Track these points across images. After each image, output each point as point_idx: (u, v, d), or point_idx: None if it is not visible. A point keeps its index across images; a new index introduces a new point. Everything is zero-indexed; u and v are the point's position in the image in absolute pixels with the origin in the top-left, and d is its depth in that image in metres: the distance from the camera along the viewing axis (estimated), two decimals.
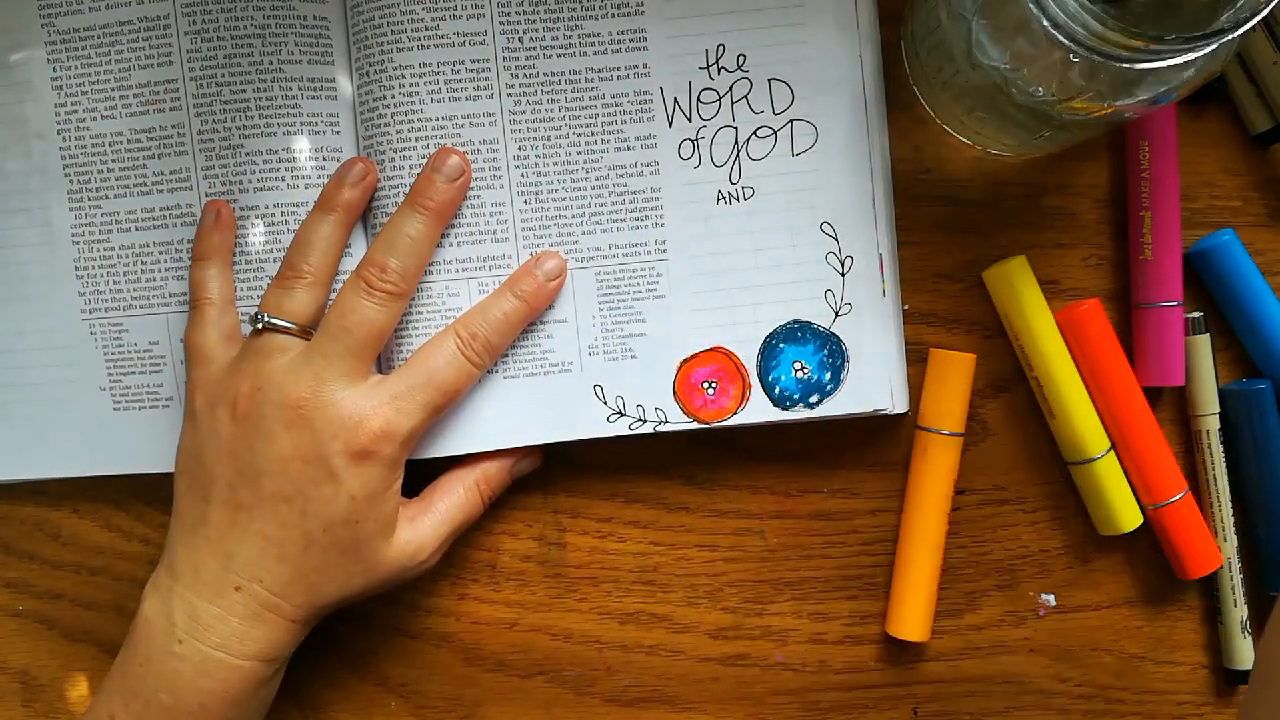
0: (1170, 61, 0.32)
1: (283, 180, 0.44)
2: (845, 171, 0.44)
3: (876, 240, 0.44)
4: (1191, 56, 0.32)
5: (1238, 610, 0.45)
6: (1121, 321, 0.46)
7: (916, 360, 0.46)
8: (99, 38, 0.44)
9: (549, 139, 0.44)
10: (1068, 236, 0.46)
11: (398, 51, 0.43)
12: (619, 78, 0.44)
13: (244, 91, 0.44)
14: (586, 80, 0.44)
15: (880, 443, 0.46)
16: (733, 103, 0.44)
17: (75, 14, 0.44)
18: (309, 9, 0.44)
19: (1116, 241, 0.46)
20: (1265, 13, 0.31)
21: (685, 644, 0.47)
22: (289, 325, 0.41)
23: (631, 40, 0.44)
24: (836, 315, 0.44)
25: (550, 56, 0.44)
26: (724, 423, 0.44)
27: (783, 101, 0.44)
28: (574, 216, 0.44)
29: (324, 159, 0.44)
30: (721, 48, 0.44)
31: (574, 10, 0.44)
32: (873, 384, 0.44)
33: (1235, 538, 0.45)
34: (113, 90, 0.44)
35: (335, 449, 0.40)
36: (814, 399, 0.44)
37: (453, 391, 0.42)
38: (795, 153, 0.44)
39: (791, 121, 0.44)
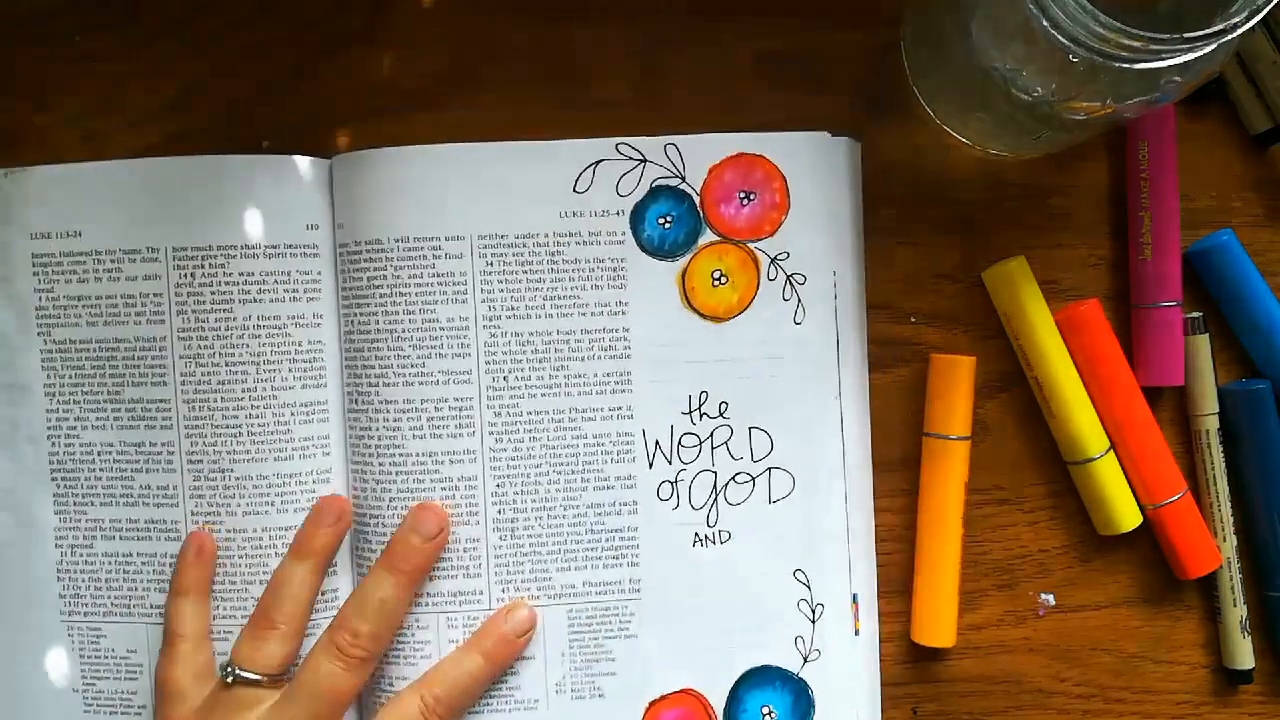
0: (1170, 61, 0.32)
1: (272, 505, 0.43)
2: (820, 519, 0.44)
3: (850, 582, 0.45)
4: (1191, 56, 0.32)
5: (1237, 610, 0.45)
6: (1121, 322, 0.46)
7: (917, 361, 0.46)
8: (94, 351, 0.44)
9: (528, 476, 0.44)
10: (1068, 236, 0.46)
11: (384, 386, 0.43)
12: (602, 418, 0.44)
13: (236, 417, 0.43)
14: (570, 419, 0.44)
15: (881, 443, 0.46)
16: (713, 448, 0.44)
17: (72, 326, 0.44)
18: (304, 334, 0.43)
19: (1116, 241, 0.46)
20: (1265, 13, 0.31)
21: None
22: (258, 678, 0.41)
23: (617, 382, 0.44)
24: (805, 661, 0.44)
25: (534, 395, 0.43)
26: None
27: (762, 449, 0.44)
28: (549, 553, 0.44)
29: (315, 482, 0.44)
30: (705, 394, 0.44)
31: (560, 351, 0.44)
32: None
33: (1235, 537, 0.45)
34: (104, 402, 0.44)
35: None
36: None
37: None
38: (772, 500, 0.44)
39: (770, 469, 0.44)
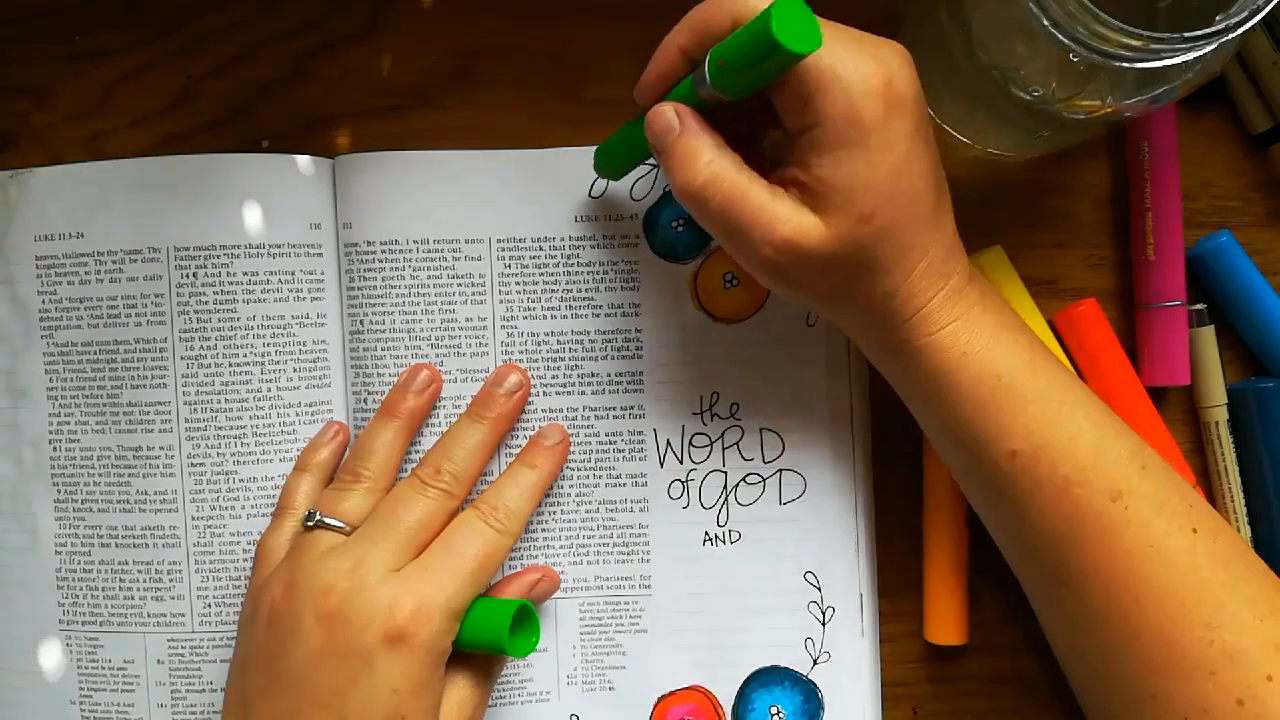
0: (1170, 61, 0.32)
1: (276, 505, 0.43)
2: (831, 521, 0.45)
3: (858, 580, 0.45)
4: (1191, 56, 0.32)
5: None
6: (1123, 322, 0.46)
7: None
8: (95, 353, 0.44)
9: None
10: (1068, 236, 0.46)
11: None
12: (614, 417, 0.45)
13: (240, 419, 0.43)
14: (583, 417, 0.45)
15: (882, 441, 0.46)
16: (724, 449, 0.45)
17: (74, 328, 0.44)
18: (308, 334, 0.44)
19: (1116, 241, 0.46)
20: (1265, 13, 0.31)
21: None
22: (340, 525, 0.41)
23: (629, 382, 0.45)
24: (815, 663, 0.45)
25: (549, 394, 0.45)
26: None
27: (773, 451, 0.45)
28: (561, 546, 0.45)
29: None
30: (716, 395, 0.45)
31: (574, 351, 0.44)
32: None
33: (1249, 527, 0.45)
34: (104, 406, 0.44)
35: (369, 638, 0.37)
36: None
37: (480, 556, 0.40)
38: (783, 501, 0.45)
39: (780, 471, 0.45)
